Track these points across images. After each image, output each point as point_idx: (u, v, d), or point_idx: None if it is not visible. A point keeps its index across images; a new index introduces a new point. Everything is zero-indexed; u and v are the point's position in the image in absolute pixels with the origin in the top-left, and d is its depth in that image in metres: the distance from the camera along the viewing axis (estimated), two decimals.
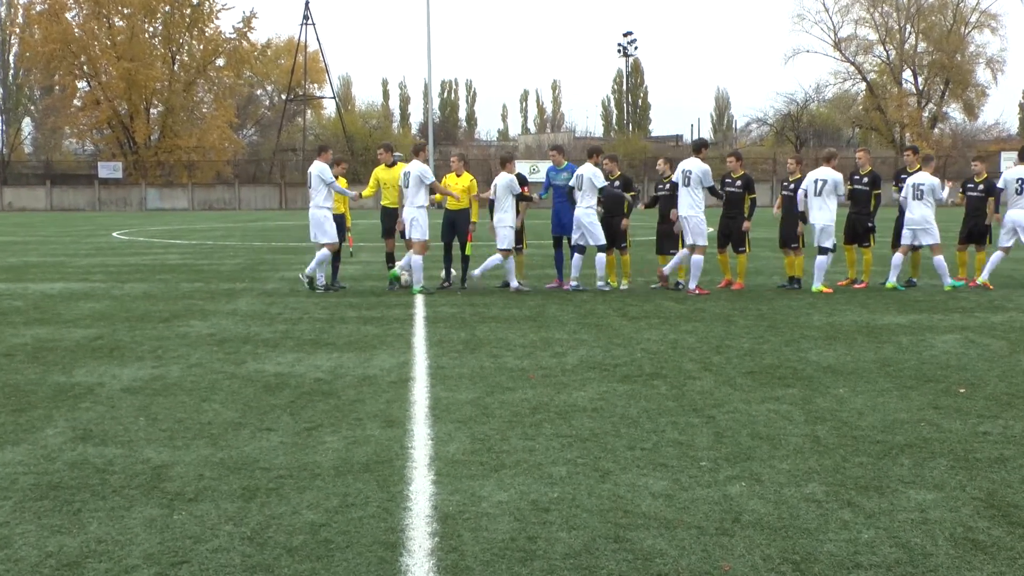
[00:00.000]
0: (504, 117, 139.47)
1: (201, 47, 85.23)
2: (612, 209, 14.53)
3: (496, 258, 14.19)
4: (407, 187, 13.97)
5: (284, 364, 8.79)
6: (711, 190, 14.16)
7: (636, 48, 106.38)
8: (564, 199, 14.44)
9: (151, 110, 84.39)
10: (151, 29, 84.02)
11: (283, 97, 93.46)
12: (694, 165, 13.94)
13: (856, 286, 14.71)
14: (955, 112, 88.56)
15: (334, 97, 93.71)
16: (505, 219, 14.19)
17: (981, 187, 15.04)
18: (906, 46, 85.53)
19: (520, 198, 14.41)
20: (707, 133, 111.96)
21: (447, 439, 6.17)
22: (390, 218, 14.97)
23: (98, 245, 28.11)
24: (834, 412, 6.83)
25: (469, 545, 4.42)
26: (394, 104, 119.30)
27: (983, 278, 14.55)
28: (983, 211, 14.98)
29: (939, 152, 69.53)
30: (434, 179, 14.03)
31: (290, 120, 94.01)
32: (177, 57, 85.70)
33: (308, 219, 14.67)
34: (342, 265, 16.18)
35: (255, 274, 17.94)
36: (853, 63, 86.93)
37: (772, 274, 16.68)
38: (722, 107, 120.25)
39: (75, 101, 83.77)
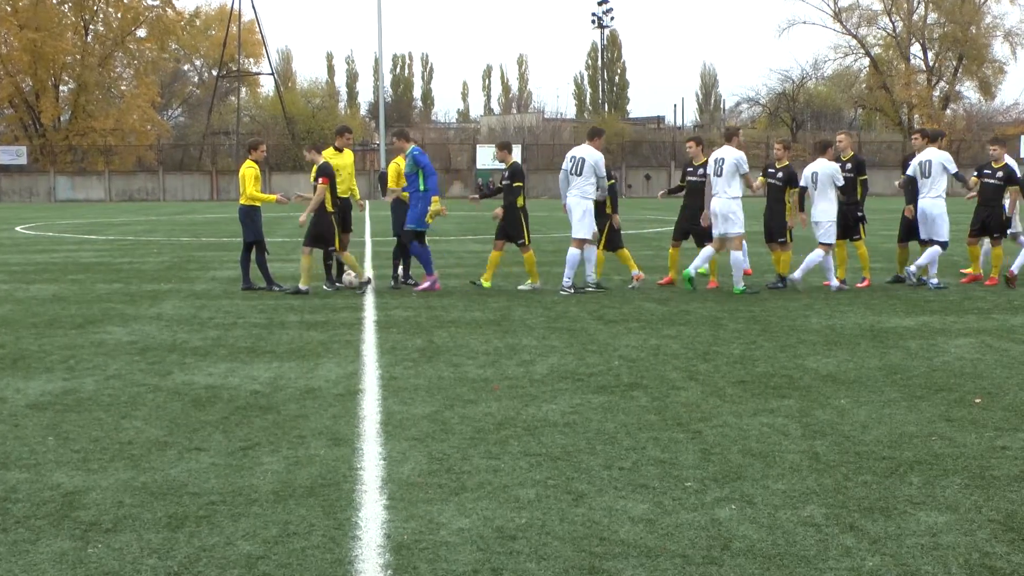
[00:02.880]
0: (465, 96, 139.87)
1: (119, 15, 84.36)
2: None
3: (818, 254, 14.28)
4: (718, 175, 13.97)
5: (216, 375, 8.74)
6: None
7: (613, 19, 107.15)
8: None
9: (60, 87, 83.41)
10: None
11: (214, 73, 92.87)
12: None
13: (858, 285, 14.85)
14: (969, 91, 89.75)
15: (272, 73, 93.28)
16: (829, 210, 14.28)
17: (999, 174, 15.15)
18: (915, 17, 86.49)
19: (842, 190, 14.54)
20: (692, 114, 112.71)
21: (401, 459, 6.16)
22: (339, 208, 14.89)
23: None
24: (835, 426, 6.89)
25: None
26: (340, 81, 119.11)
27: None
28: (999, 200, 15.13)
29: (952, 135, 70.44)
30: (748, 169, 14.10)
31: (222, 99, 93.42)
32: (91, 27, 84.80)
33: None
34: (282, 264, 16.11)
35: (183, 274, 17.82)
36: (855, 36, 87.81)
37: (764, 271, 16.81)
38: (709, 85, 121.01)
39: None
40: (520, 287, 14.79)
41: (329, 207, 14.25)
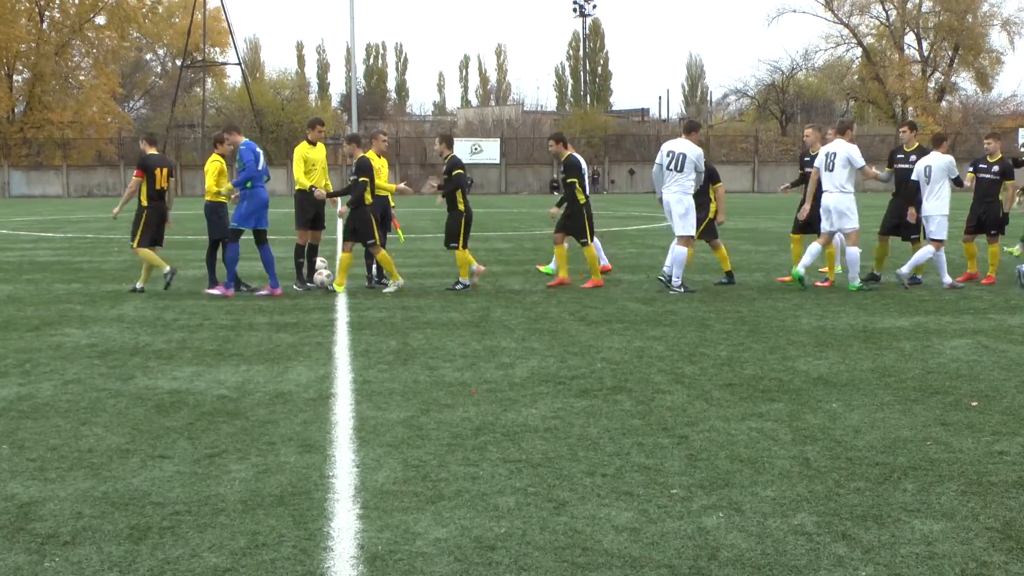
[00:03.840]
0: (441, 87, 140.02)
1: (76, 1, 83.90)
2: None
3: (928, 250, 14.46)
4: (829, 170, 14.18)
5: (181, 379, 8.71)
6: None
7: (595, 7, 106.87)
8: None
9: (15, 77, 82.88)
10: None
11: (178, 63, 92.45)
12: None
13: (818, 284, 14.95)
14: (965, 82, 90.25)
15: (239, 63, 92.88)
16: (941, 206, 14.47)
17: (996, 168, 15.25)
18: (908, 5, 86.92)
19: (956, 183, 14.70)
20: (677, 106, 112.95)
21: (375, 466, 6.15)
22: (313, 205, 14.85)
23: None
24: (826, 430, 6.92)
25: None
26: (311, 72, 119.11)
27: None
28: (995, 196, 15.24)
29: (947, 128, 70.74)
30: (864, 163, 14.29)
31: (187, 90, 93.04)
32: (47, 13, 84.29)
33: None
34: (251, 264, 16.07)
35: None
36: (847, 25, 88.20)
37: (754, 270, 16.87)
38: (695, 76, 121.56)
39: None
40: (385, 290, 14.59)
41: (143, 201, 14.53)
